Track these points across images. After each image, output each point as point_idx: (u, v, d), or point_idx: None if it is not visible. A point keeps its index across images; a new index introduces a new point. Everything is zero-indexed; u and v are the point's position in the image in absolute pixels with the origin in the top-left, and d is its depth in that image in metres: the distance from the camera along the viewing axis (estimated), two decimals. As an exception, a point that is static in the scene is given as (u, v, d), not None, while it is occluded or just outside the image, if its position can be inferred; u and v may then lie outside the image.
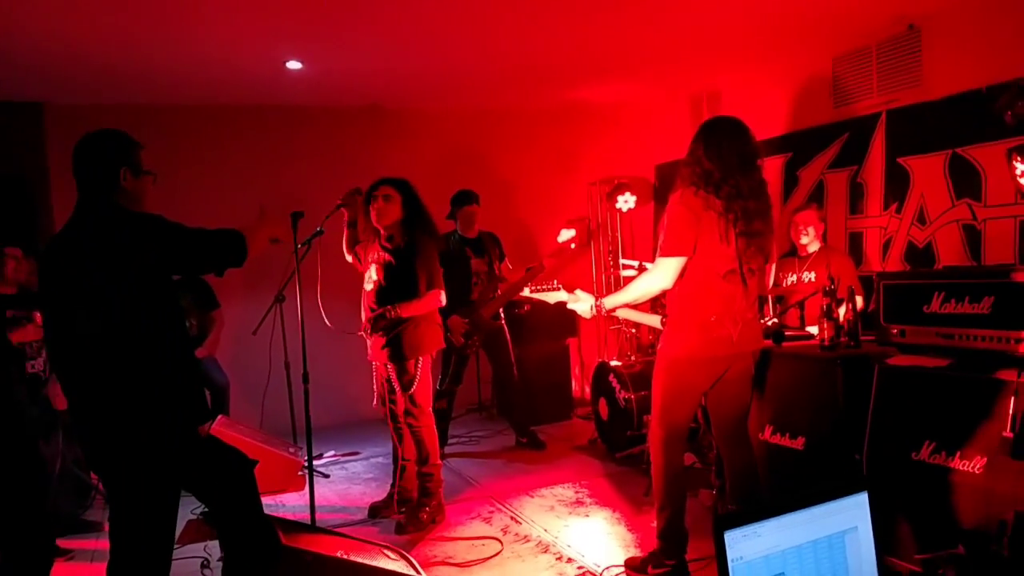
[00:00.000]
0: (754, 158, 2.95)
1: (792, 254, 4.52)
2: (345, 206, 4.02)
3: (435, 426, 4.02)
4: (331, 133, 6.47)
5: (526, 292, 3.33)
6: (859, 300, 3.59)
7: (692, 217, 2.86)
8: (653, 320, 3.77)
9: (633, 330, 5.79)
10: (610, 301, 3.13)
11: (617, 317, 4.50)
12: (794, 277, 4.41)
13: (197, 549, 3.44)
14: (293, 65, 5.05)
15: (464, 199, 5.26)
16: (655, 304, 4.08)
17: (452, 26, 4.45)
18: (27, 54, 4.40)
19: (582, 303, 3.18)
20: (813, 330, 3.74)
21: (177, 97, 5.73)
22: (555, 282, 3.28)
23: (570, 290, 3.25)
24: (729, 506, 3.29)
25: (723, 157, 2.87)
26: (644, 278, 2.99)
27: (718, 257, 2.89)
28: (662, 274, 2.91)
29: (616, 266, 6.28)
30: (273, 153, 6.26)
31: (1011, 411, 2.44)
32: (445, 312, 5.04)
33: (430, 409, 3.98)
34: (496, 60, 5.29)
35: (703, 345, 2.94)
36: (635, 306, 3.27)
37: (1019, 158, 3.08)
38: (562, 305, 3.29)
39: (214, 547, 3.28)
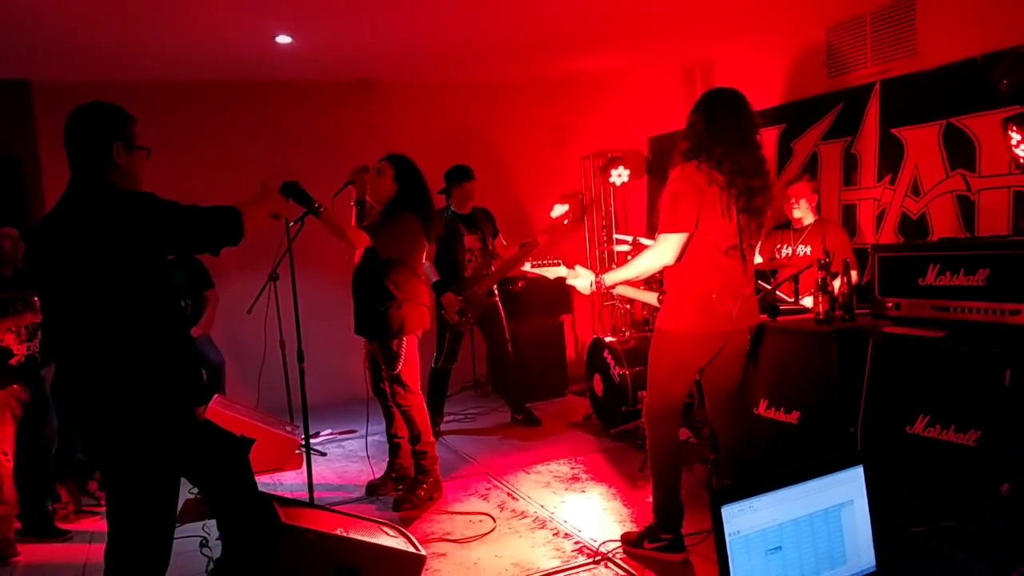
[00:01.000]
0: (754, 133, 2.91)
1: (786, 226, 4.51)
2: (352, 183, 3.98)
3: (424, 404, 4.02)
4: (322, 108, 6.41)
5: (527, 267, 3.30)
6: (854, 274, 3.59)
7: (695, 192, 2.82)
8: (650, 297, 3.76)
9: (627, 306, 5.80)
10: (610, 277, 3.11)
11: (612, 293, 4.48)
12: (789, 250, 4.41)
13: (196, 528, 3.46)
14: (283, 40, 4.98)
15: (460, 175, 5.22)
16: (650, 280, 4.06)
17: (443, -1, 4.39)
18: (11, 30, 4.33)
19: (582, 279, 3.16)
20: (808, 303, 3.74)
21: (166, 73, 5.66)
22: (555, 258, 3.26)
23: (569, 266, 3.23)
24: (725, 480, 3.30)
25: (724, 132, 2.84)
26: (646, 255, 2.96)
27: (720, 233, 2.87)
28: (664, 250, 2.88)
29: (610, 241, 6.27)
30: (263, 128, 6.20)
31: (1006, 384, 2.45)
32: (439, 289, 5.05)
33: (418, 388, 3.97)
34: (488, 32, 5.23)
35: (703, 321, 2.92)
36: (631, 283, 3.27)
37: (1015, 128, 3.06)
38: (561, 281, 3.27)
39: (212, 526, 3.31)
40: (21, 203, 5.35)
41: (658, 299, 3.17)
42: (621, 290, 3.81)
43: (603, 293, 3.41)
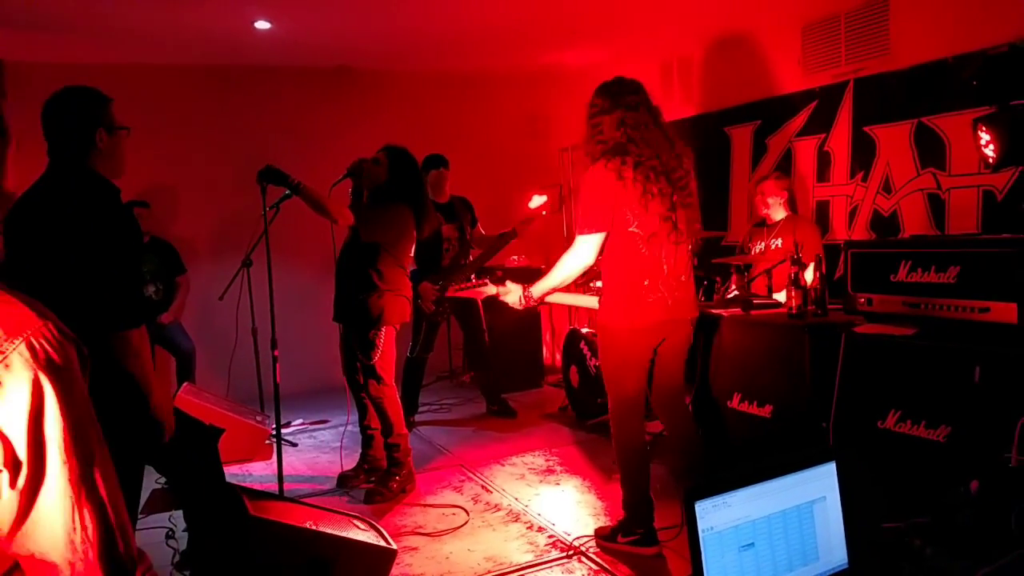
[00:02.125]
0: (658, 119, 2.96)
1: (762, 224, 4.55)
2: (352, 175, 3.94)
3: (397, 397, 4.00)
4: (300, 94, 6.33)
5: (452, 291, 3.35)
6: (811, 276, 3.63)
7: (605, 191, 2.85)
8: (590, 301, 3.76)
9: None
10: (537, 289, 3.11)
11: (549, 303, 4.49)
12: (762, 245, 4.44)
13: (162, 519, 3.41)
14: (262, 25, 4.91)
15: (431, 163, 5.18)
16: (586, 283, 4.10)
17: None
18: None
19: (512, 294, 3.18)
20: (780, 297, 3.77)
21: (143, 56, 5.55)
22: (483, 276, 3.31)
23: (500, 283, 3.24)
24: (680, 485, 3.34)
25: (626, 124, 2.87)
26: (565, 259, 2.97)
27: (639, 224, 2.88)
28: (582, 252, 2.92)
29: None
30: (241, 114, 6.12)
31: (976, 380, 2.49)
32: (416, 278, 5.01)
33: (392, 380, 3.94)
34: (467, 22, 5.19)
35: (639, 312, 2.93)
36: (565, 289, 3.25)
37: (984, 128, 3.10)
38: (496, 297, 3.29)
39: (179, 517, 3.26)
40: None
41: (599, 303, 3.17)
42: (560, 298, 3.79)
43: (540, 305, 3.35)
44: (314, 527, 2.75)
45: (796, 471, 1.58)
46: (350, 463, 4.29)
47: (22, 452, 0.87)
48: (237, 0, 4.40)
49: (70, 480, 0.90)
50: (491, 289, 3.23)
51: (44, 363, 0.89)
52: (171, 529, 3.28)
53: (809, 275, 3.51)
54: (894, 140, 4.61)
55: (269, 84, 6.20)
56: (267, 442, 4.68)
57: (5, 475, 0.88)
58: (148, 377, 2.40)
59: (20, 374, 0.88)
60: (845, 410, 3.01)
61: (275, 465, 3.70)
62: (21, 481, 0.88)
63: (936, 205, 4.39)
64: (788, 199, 4.58)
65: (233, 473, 4.27)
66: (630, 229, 2.87)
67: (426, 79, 6.63)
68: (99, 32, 4.84)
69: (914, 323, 2.86)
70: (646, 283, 2.90)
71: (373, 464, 4.14)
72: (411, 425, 4.93)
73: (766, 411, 3.40)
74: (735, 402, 3.56)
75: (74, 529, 0.90)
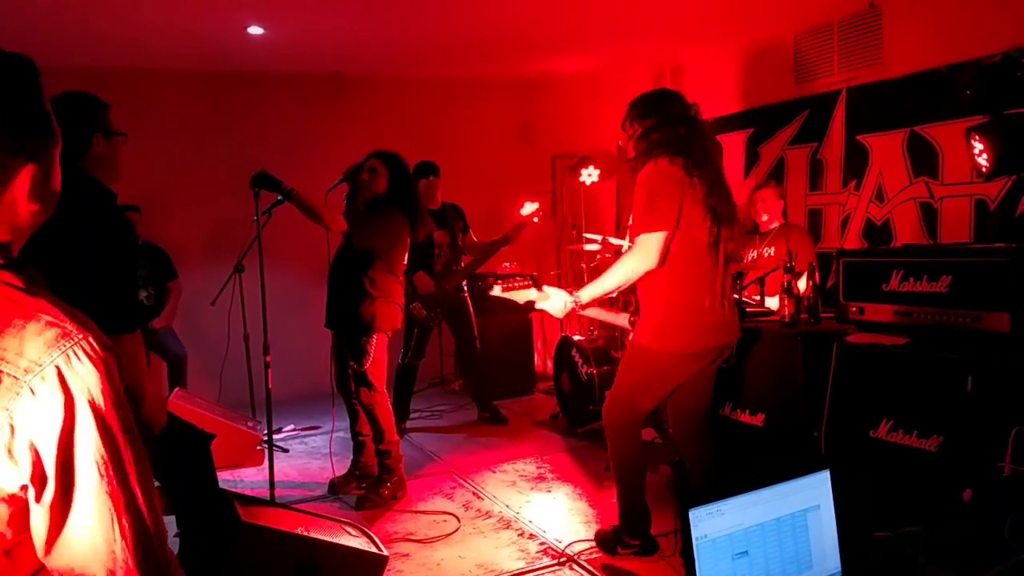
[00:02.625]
0: (706, 128, 2.91)
1: (755, 231, 4.57)
2: (348, 180, 3.93)
3: (389, 404, 3.98)
4: (293, 100, 6.32)
5: (496, 292, 3.03)
6: (803, 280, 3.63)
7: (675, 186, 2.65)
8: (620, 319, 3.66)
9: (596, 304, 5.80)
10: (587, 293, 2.82)
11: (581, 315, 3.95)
12: (755, 253, 4.45)
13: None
14: (255, 30, 4.90)
15: (422, 171, 5.16)
16: (614, 299, 3.87)
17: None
18: (-34, 11, 4.19)
19: (553, 300, 2.89)
20: (772, 304, 3.78)
21: (136, 60, 5.53)
22: (526, 278, 3.04)
23: (539, 287, 3.00)
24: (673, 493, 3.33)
25: (686, 122, 2.79)
26: (627, 260, 2.70)
27: (701, 230, 2.71)
28: (647, 252, 2.65)
29: (579, 240, 6.28)
30: (234, 119, 6.11)
31: (968, 389, 2.49)
32: (409, 274, 5.00)
33: (383, 387, 3.93)
34: (460, 30, 5.19)
35: (699, 336, 2.71)
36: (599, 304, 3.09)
37: (978, 137, 3.12)
38: (530, 305, 3.06)
39: (170, 522, 3.23)
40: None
41: (629, 321, 2.99)
42: (593, 313, 3.60)
43: (579, 314, 3.09)
44: (305, 533, 2.73)
45: (790, 479, 1.58)
46: (341, 469, 4.27)
47: (50, 467, 0.88)
48: (231, 5, 4.39)
49: (109, 492, 0.90)
50: (531, 294, 2.95)
51: (82, 377, 0.90)
52: (160, 535, 3.25)
53: (802, 284, 3.52)
54: (887, 149, 4.63)
55: (262, 89, 6.19)
56: (258, 448, 4.65)
57: (32, 490, 0.89)
58: (141, 383, 2.38)
59: (55, 388, 0.88)
60: (837, 419, 3.01)
61: (266, 471, 3.68)
62: (48, 496, 0.88)
63: (928, 214, 4.41)
64: (783, 208, 4.60)
65: (225, 479, 4.24)
66: (693, 231, 2.69)
67: (419, 85, 6.64)
68: (92, 37, 4.82)
69: (906, 332, 2.86)
70: (707, 304, 2.70)
71: (364, 470, 4.12)
72: (402, 432, 4.91)
73: (758, 419, 3.40)
74: (727, 410, 3.56)
75: (114, 539, 0.90)
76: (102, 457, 0.90)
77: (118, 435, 0.92)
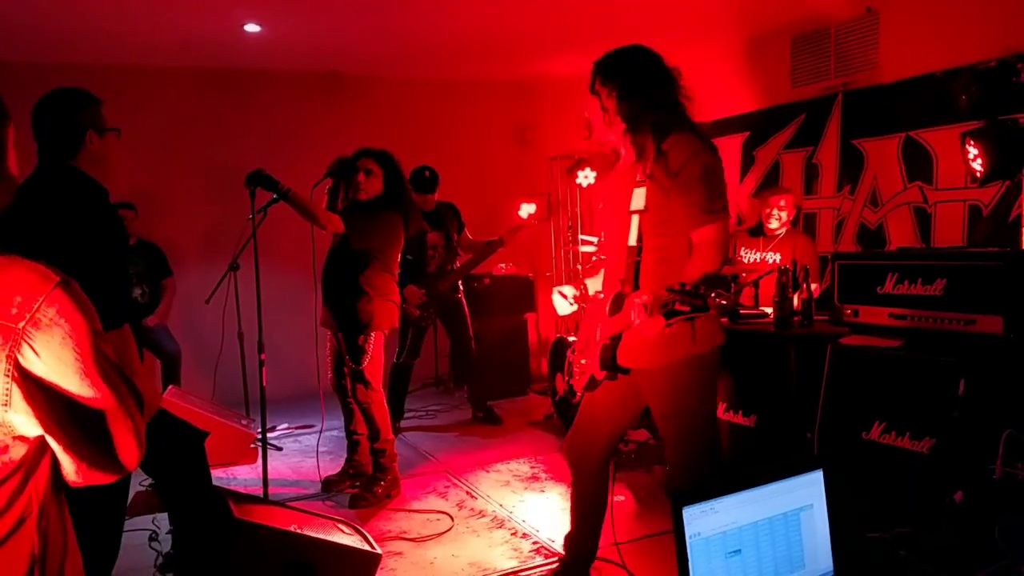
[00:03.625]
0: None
1: (757, 232, 4.52)
2: (333, 175, 3.92)
3: (385, 402, 3.98)
4: (289, 98, 6.32)
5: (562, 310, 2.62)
6: (814, 286, 3.63)
7: (722, 167, 2.22)
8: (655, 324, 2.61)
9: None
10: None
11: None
12: (756, 255, 4.44)
13: (146, 521, 3.37)
14: (252, 28, 4.90)
15: (422, 186, 5.01)
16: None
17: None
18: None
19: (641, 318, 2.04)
20: (768, 310, 3.78)
21: (132, 58, 5.52)
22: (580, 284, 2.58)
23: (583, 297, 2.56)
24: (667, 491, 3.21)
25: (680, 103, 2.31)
26: (705, 255, 2.10)
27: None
28: (722, 246, 2.12)
29: (575, 241, 6.29)
30: (230, 117, 6.10)
31: (961, 392, 2.51)
32: (401, 283, 5.00)
33: (380, 386, 3.93)
34: (457, 30, 5.20)
35: (719, 328, 2.35)
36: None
37: (972, 142, 3.14)
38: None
39: (162, 520, 3.23)
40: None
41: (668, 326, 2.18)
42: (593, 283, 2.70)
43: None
44: (298, 530, 2.73)
45: (784, 478, 1.58)
46: (333, 468, 4.27)
47: (82, 389, 1.03)
48: (228, 3, 4.39)
49: (120, 405, 1.07)
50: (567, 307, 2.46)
51: (70, 312, 1.04)
52: (154, 531, 3.24)
53: (812, 287, 3.49)
54: (882, 153, 4.65)
55: (259, 88, 6.19)
56: (252, 446, 4.64)
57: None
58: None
59: (51, 327, 1.01)
60: (830, 421, 3.03)
61: (260, 469, 3.67)
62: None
63: (923, 219, 4.43)
64: (795, 215, 4.54)
65: (218, 476, 4.23)
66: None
67: (415, 85, 6.64)
68: (88, 33, 4.81)
69: (900, 335, 2.88)
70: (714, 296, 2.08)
71: (358, 469, 4.12)
72: (397, 431, 4.90)
73: (750, 421, 3.41)
74: (719, 412, 3.56)
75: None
76: (102, 375, 1.05)
77: (106, 351, 1.08)
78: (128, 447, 1.07)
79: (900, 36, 4.58)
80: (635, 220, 2.14)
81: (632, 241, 2.18)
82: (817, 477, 1.63)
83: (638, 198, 2.14)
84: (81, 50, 5.18)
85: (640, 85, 2.28)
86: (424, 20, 4.92)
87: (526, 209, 5.21)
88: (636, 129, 2.25)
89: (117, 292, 2.39)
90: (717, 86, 5.87)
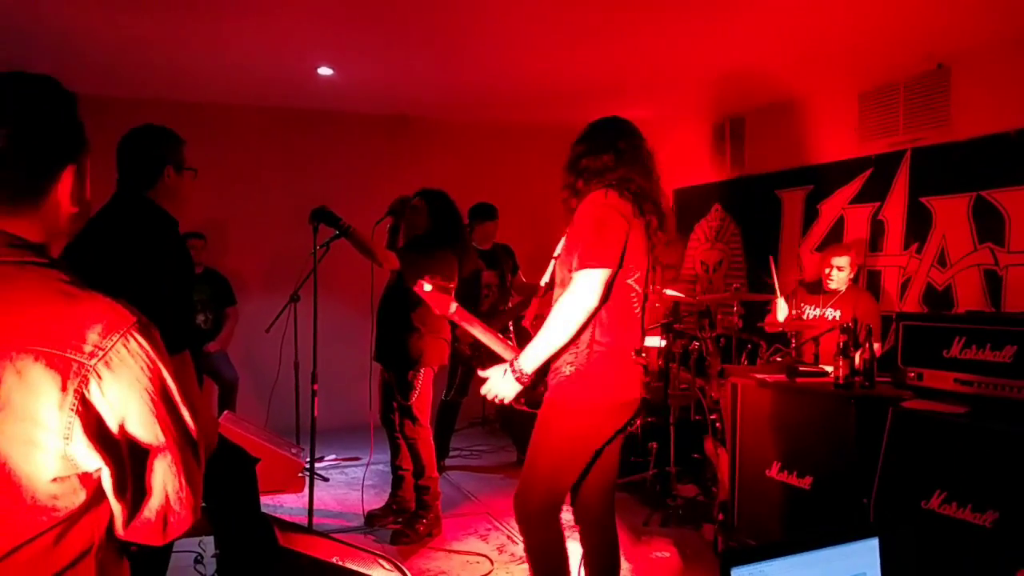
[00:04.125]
0: (657, 181, 2.54)
1: (817, 288, 4.44)
2: (393, 214, 4.04)
3: (432, 439, 3.99)
4: (357, 139, 6.52)
5: (427, 288, 2.52)
6: (876, 346, 3.52)
7: (623, 222, 2.32)
8: (507, 353, 2.55)
9: (644, 354, 5.74)
10: (528, 360, 2.30)
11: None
12: (817, 311, 4.34)
13: (192, 544, 3.43)
14: (325, 71, 5.10)
15: (484, 213, 5.23)
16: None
17: (480, 44, 4.49)
18: (61, 43, 4.46)
19: (496, 381, 2.39)
20: (828, 368, 3.68)
21: (207, 95, 5.79)
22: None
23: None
24: (731, 543, 3.18)
25: (637, 167, 2.48)
26: (566, 302, 2.26)
27: (638, 278, 2.41)
28: (591, 290, 2.24)
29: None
30: (299, 155, 6.32)
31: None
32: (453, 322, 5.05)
33: (427, 422, 3.94)
34: (522, 79, 5.32)
35: (629, 384, 2.40)
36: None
37: (1047, 206, 3.04)
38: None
39: (208, 543, 3.27)
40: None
41: (561, 367, 2.38)
42: (476, 332, 2.63)
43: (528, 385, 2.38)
44: (340, 562, 2.74)
45: (838, 544, 1.53)
46: (379, 502, 4.28)
47: (145, 433, 1.02)
48: (304, 47, 4.59)
49: (174, 456, 1.05)
50: (452, 308, 2.55)
51: (141, 356, 1.03)
52: (200, 554, 3.29)
53: (859, 350, 3.41)
54: (951, 212, 4.53)
55: (329, 128, 6.40)
56: (300, 475, 4.70)
57: (107, 472, 1.01)
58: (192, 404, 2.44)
59: (121, 368, 1.01)
60: (888, 487, 2.91)
61: (306, 498, 3.71)
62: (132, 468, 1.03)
63: (993, 282, 4.28)
64: (856, 272, 4.44)
65: (264, 503, 4.28)
66: (629, 281, 2.38)
67: (476, 128, 6.77)
68: (177, 72, 5.07)
69: (965, 401, 2.77)
70: (634, 352, 2.39)
71: (402, 505, 4.12)
72: (441, 469, 4.91)
73: (806, 482, 3.31)
74: (774, 471, 3.47)
75: (179, 485, 1.07)
76: (167, 423, 1.05)
77: (177, 399, 1.07)
78: (176, 504, 1.05)
79: (972, 93, 4.49)
80: (552, 263, 2.42)
81: (544, 281, 2.47)
82: (873, 545, 1.57)
83: (560, 245, 2.41)
84: (168, 87, 5.47)
85: (591, 151, 2.61)
86: (486, 69, 5.05)
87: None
88: (572, 190, 2.56)
89: (182, 318, 2.47)
90: (781, 138, 5.83)
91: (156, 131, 2.46)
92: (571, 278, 2.30)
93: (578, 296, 2.25)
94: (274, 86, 5.51)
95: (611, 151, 2.52)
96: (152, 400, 1.03)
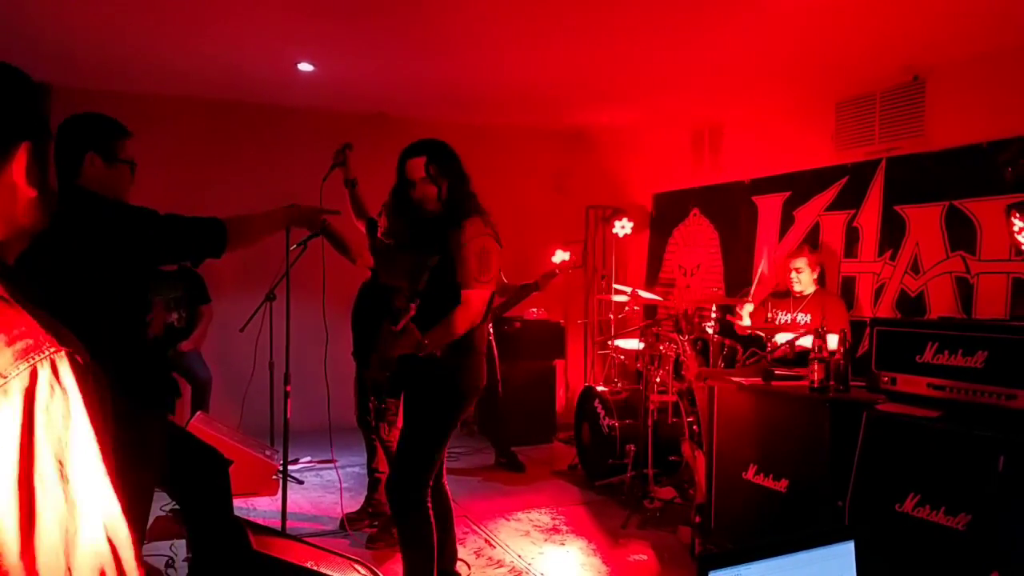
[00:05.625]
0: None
1: (786, 294, 4.53)
2: (340, 165, 3.98)
3: None
4: (336, 137, 6.41)
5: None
6: (833, 339, 3.58)
7: (498, 248, 2.86)
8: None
9: (622, 357, 5.77)
10: (433, 341, 2.71)
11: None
12: (787, 317, 4.41)
13: (163, 547, 3.38)
14: (305, 67, 5.05)
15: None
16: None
17: (462, 43, 4.47)
18: (36, 33, 4.38)
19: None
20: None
21: (186, 89, 5.71)
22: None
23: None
24: (709, 545, 3.22)
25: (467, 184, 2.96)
26: (461, 315, 2.70)
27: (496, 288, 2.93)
28: (479, 310, 2.77)
29: (609, 290, 6.28)
30: (277, 151, 6.25)
31: (1000, 469, 2.43)
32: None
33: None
34: (502, 79, 5.31)
35: (484, 372, 2.92)
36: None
37: (1018, 215, 3.10)
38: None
39: (180, 546, 3.23)
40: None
41: (446, 353, 2.80)
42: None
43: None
44: (315, 567, 2.70)
45: (814, 547, 1.54)
46: (355, 505, 4.24)
47: (7, 483, 0.80)
48: (284, 42, 4.54)
49: (67, 508, 0.83)
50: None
51: (45, 392, 0.84)
52: (171, 558, 3.25)
53: (833, 341, 3.46)
54: (924, 221, 4.60)
55: (307, 125, 6.34)
56: (274, 477, 4.65)
57: None
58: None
59: (16, 402, 0.82)
60: (863, 490, 2.94)
61: (280, 501, 3.67)
62: (9, 515, 0.80)
63: (964, 289, 4.35)
64: (820, 273, 4.56)
65: (238, 506, 4.23)
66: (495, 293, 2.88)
67: (459, 129, 6.71)
68: (146, 64, 4.99)
69: (938, 406, 2.80)
70: (484, 349, 2.93)
71: (377, 508, 4.09)
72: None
73: (782, 485, 3.33)
74: (750, 473, 3.49)
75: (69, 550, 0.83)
76: (60, 473, 0.83)
77: (80, 453, 0.86)
78: None
79: (946, 105, 4.56)
80: (427, 274, 2.77)
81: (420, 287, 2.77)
82: (848, 548, 1.58)
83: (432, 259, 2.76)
84: (136, 79, 5.36)
85: (458, 180, 2.93)
86: (470, 69, 5.04)
87: (561, 256, 5.23)
88: (452, 215, 2.84)
89: (136, 312, 2.38)
90: (759, 144, 5.89)
91: (81, 119, 2.34)
92: (469, 293, 2.74)
93: (472, 311, 2.73)
94: (251, 81, 5.45)
95: (466, 180, 2.95)
96: (28, 452, 0.81)
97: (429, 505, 2.78)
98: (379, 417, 3.87)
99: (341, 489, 4.49)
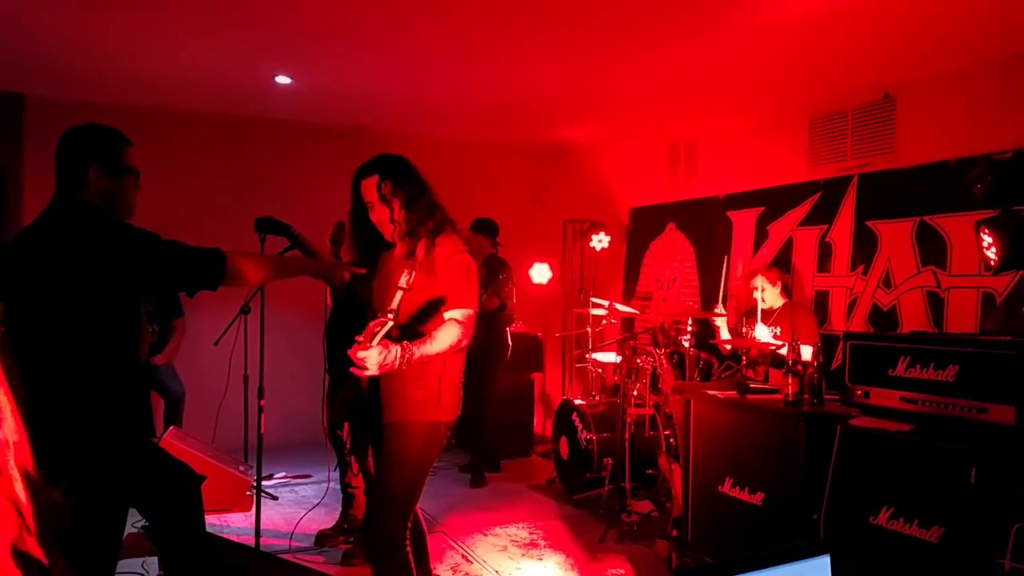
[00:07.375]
0: None
1: (754, 311, 4.56)
2: (335, 243, 4.00)
3: None
4: (315, 150, 6.44)
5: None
6: (807, 350, 3.62)
7: (477, 265, 2.70)
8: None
9: (599, 370, 5.77)
10: (419, 353, 2.44)
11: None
12: (759, 331, 4.44)
13: (135, 564, 3.32)
14: (283, 80, 5.04)
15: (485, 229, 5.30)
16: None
17: (441, 57, 4.49)
18: (11, 43, 4.33)
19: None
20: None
21: (163, 100, 5.68)
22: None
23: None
24: (686, 559, 3.22)
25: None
26: (449, 334, 2.47)
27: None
28: (467, 329, 2.52)
29: (586, 303, 6.29)
30: (254, 164, 6.22)
31: (972, 482, 2.46)
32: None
33: None
34: (480, 94, 5.33)
35: (456, 407, 2.64)
36: None
37: (987, 231, 3.15)
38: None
39: (152, 563, 3.17)
40: (2, 213, 5.29)
41: (413, 392, 2.57)
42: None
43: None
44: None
45: (789, 562, 1.54)
46: (330, 520, 4.19)
47: None
48: (261, 55, 4.53)
49: None
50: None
51: None
52: (143, 575, 3.18)
53: (807, 353, 3.50)
54: (896, 236, 4.67)
55: (285, 137, 6.32)
56: (248, 493, 4.58)
57: None
58: None
59: None
60: (837, 503, 2.96)
61: (254, 518, 3.61)
62: None
63: (935, 303, 4.42)
64: (784, 287, 4.61)
65: (210, 523, 4.16)
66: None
67: (437, 143, 6.75)
68: (121, 74, 4.95)
69: (911, 419, 2.83)
70: (461, 380, 2.65)
71: (352, 524, 4.04)
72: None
73: (757, 498, 3.35)
74: (727, 487, 3.50)
75: None
76: None
77: None
78: None
79: (916, 123, 4.65)
80: (399, 294, 2.48)
81: (393, 306, 2.49)
82: (824, 563, 1.58)
83: (405, 278, 2.49)
84: (111, 89, 5.32)
85: (417, 194, 2.81)
86: (449, 83, 5.05)
87: (540, 268, 5.26)
88: (415, 232, 2.68)
89: (132, 329, 2.37)
90: (734, 160, 5.96)
91: (85, 130, 2.32)
92: (453, 312, 2.55)
93: (460, 332, 2.51)
94: (230, 93, 5.42)
95: (429, 193, 2.85)
96: None
97: (408, 548, 2.56)
98: (356, 449, 3.82)
99: (316, 505, 4.44)
